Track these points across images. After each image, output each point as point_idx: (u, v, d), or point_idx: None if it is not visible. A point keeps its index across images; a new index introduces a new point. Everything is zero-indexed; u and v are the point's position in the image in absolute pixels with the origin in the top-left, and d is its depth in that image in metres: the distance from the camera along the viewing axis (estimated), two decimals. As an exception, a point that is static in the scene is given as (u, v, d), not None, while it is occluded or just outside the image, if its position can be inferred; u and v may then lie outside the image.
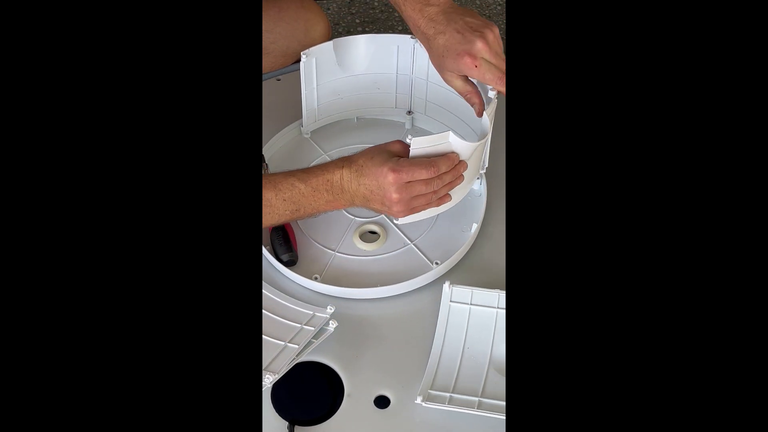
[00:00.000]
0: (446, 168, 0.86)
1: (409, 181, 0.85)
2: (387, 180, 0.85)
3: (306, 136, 1.10)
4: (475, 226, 0.98)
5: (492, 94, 0.92)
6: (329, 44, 1.03)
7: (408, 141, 0.84)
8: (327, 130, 1.12)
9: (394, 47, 1.06)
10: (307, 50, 1.02)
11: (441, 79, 0.99)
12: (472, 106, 0.96)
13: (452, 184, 0.89)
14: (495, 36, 0.91)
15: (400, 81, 1.09)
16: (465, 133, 1.07)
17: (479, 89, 0.95)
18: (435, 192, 0.87)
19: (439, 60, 0.94)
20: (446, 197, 0.90)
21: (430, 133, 1.11)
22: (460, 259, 0.97)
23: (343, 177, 0.88)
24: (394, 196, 0.85)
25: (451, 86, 0.96)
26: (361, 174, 0.87)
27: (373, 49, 1.06)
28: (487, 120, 0.90)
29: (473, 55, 0.90)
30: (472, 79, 0.94)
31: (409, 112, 1.12)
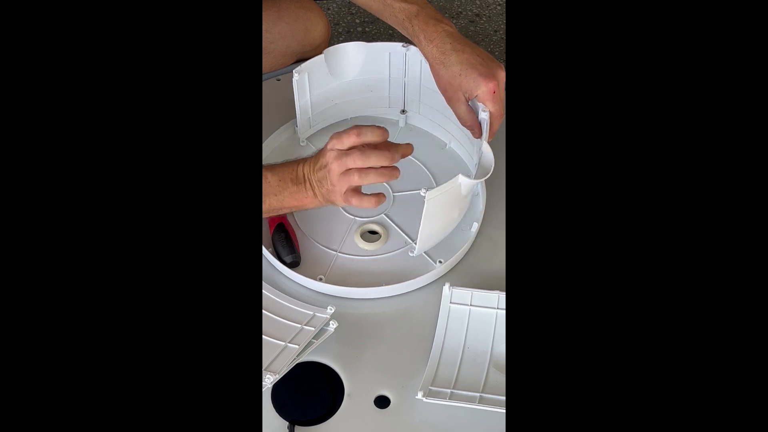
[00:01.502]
0: (372, 136, 0.85)
1: (341, 150, 0.85)
2: (325, 150, 0.87)
3: (302, 144, 1.10)
4: (475, 225, 0.98)
5: (484, 114, 0.92)
6: (320, 57, 1.03)
7: (423, 194, 0.85)
8: (322, 133, 1.12)
9: (385, 54, 1.06)
10: (299, 67, 1.01)
11: (434, 83, 0.99)
12: (470, 130, 0.97)
13: (386, 160, 0.86)
14: (504, 78, 0.92)
15: (392, 84, 1.09)
16: (457, 134, 1.07)
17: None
18: (372, 166, 0.85)
19: (451, 77, 0.94)
20: (393, 171, 0.87)
21: (424, 131, 1.13)
22: (462, 257, 0.97)
23: (306, 165, 0.89)
24: (332, 165, 0.85)
25: (455, 110, 0.96)
26: (316, 159, 0.88)
27: (363, 56, 1.06)
28: (488, 150, 0.90)
29: (497, 81, 0.91)
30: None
31: (403, 111, 1.12)
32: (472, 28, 1.99)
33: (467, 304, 0.91)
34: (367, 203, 0.88)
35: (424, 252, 0.97)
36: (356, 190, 0.88)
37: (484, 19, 2.04)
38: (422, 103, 1.10)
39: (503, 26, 2.01)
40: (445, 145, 1.11)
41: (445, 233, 0.98)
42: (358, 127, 0.86)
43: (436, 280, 0.95)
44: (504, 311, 0.90)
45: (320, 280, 0.94)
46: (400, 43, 1.04)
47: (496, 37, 1.97)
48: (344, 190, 0.87)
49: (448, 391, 0.83)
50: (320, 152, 0.89)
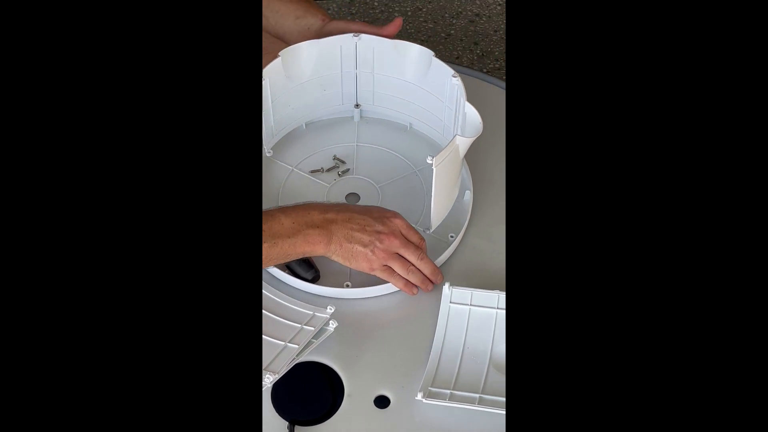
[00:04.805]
0: (427, 268, 0.92)
1: (404, 235, 0.90)
2: (388, 221, 0.90)
3: (268, 155, 1.09)
4: (468, 194, 1.00)
5: (456, 80, 0.97)
6: (278, 61, 1.02)
7: (429, 161, 0.87)
8: (282, 145, 1.10)
9: (337, 48, 1.06)
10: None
11: (387, 70, 1.04)
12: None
13: (424, 274, 0.93)
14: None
15: (344, 78, 1.09)
16: (418, 114, 1.09)
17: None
18: (412, 266, 0.91)
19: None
20: (427, 284, 0.93)
21: (381, 120, 1.13)
22: (466, 228, 0.99)
23: (321, 212, 0.90)
24: (394, 242, 0.89)
25: None
26: (346, 213, 0.90)
27: (315, 54, 1.05)
28: (471, 108, 0.92)
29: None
30: None
31: (357, 105, 1.12)
32: (472, 28, 2.00)
33: (467, 304, 0.91)
34: (399, 284, 0.93)
35: (433, 234, 0.98)
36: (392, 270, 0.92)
37: (484, 19, 2.04)
38: (376, 93, 1.10)
39: (503, 26, 2.01)
40: (407, 127, 1.11)
41: (450, 203, 0.99)
42: (422, 254, 0.92)
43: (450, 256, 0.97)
44: (504, 311, 0.90)
45: (347, 286, 0.94)
46: (351, 34, 1.04)
47: (496, 37, 1.97)
48: (382, 265, 0.91)
49: (448, 392, 0.83)
50: (360, 212, 0.91)
